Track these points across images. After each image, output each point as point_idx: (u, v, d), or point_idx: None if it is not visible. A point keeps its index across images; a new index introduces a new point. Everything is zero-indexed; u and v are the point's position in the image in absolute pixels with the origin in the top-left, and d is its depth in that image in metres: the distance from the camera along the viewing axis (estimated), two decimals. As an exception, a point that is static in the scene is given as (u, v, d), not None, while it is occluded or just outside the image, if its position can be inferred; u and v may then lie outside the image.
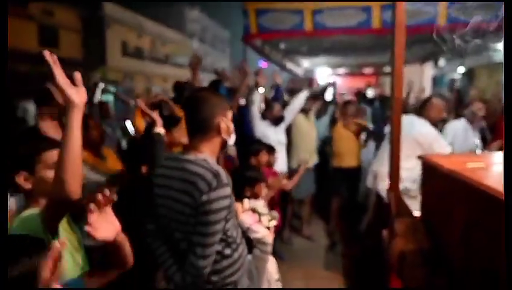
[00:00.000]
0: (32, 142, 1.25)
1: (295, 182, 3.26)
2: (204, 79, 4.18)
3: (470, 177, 1.37)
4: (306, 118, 4.08)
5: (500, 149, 3.10)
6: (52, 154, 1.17)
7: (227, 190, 1.26)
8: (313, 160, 4.18)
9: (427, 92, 6.53)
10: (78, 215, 1.28)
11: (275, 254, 2.08)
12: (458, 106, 4.77)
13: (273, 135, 3.56)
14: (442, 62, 8.21)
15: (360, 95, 6.07)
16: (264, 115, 3.62)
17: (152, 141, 1.77)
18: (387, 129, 3.77)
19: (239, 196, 1.79)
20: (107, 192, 1.04)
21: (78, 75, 1.06)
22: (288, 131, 3.95)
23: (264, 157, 2.59)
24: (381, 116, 4.31)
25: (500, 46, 5.49)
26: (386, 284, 2.25)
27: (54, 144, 1.20)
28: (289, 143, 3.84)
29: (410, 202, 2.30)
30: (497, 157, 1.87)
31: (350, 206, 4.37)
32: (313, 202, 4.46)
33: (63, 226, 1.24)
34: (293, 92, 4.11)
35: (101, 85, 3.20)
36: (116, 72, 20.62)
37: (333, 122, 4.38)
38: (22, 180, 1.17)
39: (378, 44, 6.38)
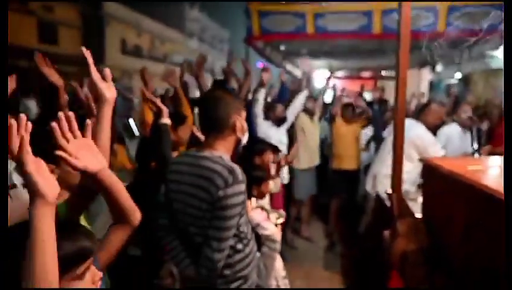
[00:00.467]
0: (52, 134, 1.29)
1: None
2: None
3: (471, 179, 1.42)
4: (310, 120, 4.13)
5: (491, 154, 3.17)
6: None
7: (242, 187, 1.31)
8: (315, 161, 4.23)
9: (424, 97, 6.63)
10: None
11: (279, 254, 2.12)
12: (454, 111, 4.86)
13: (275, 135, 3.60)
14: (439, 67, 8.31)
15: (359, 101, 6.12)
16: (267, 116, 3.67)
17: (158, 132, 1.81)
18: (386, 133, 3.84)
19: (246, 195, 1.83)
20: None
21: (107, 72, 1.11)
22: (291, 132, 3.99)
23: (268, 157, 2.63)
24: (381, 120, 4.38)
25: (497, 52, 5.59)
26: (386, 284, 2.31)
27: None
28: (292, 144, 3.89)
29: (411, 204, 2.36)
30: (496, 161, 1.94)
31: (349, 207, 4.43)
32: (312, 203, 4.51)
33: (81, 221, 1.28)
34: (293, 93, 4.15)
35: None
36: (115, 70, 20.58)
37: (331, 121, 4.44)
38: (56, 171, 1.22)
39: (377, 48, 6.48)
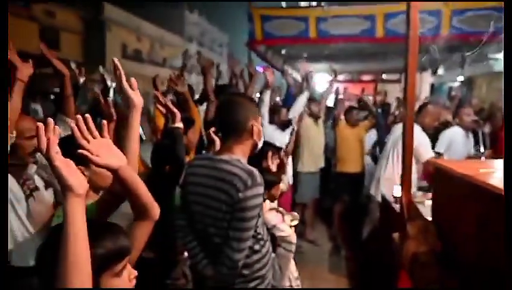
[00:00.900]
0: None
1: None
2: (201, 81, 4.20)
3: (484, 181, 1.44)
4: (315, 123, 4.15)
5: (494, 158, 3.21)
6: None
7: (261, 189, 1.34)
8: (319, 165, 4.24)
9: (423, 99, 6.65)
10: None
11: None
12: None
13: (280, 138, 3.62)
14: (441, 70, 8.35)
15: (362, 101, 6.15)
16: (271, 119, 3.68)
17: (171, 136, 1.82)
18: (388, 137, 3.88)
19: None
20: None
21: (134, 81, 1.19)
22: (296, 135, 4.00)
23: (275, 159, 2.65)
24: (384, 124, 4.40)
25: (500, 55, 5.63)
26: (394, 285, 2.31)
27: None
28: (296, 147, 3.91)
29: (418, 207, 2.37)
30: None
31: (353, 211, 4.44)
32: (315, 206, 4.52)
33: None
34: (295, 96, 4.18)
35: (114, 85, 3.26)
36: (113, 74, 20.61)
37: (335, 124, 4.47)
38: (80, 172, 1.24)
39: (377, 51, 6.52)
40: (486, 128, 4.10)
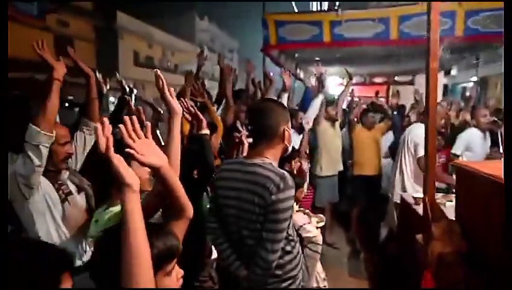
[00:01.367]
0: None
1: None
2: (213, 87, 4.27)
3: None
4: (332, 126, 4.17)
5: None
6: None
7: (293, 192, 1.38)
8: (337, 168, 4.25)
9: (438, 100, 6.61)
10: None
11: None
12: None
13: (297, 141, 3.66)
14: (454, 71, 8.28)
15: (376, 104, 6.15)
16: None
17: (200, 143, 1.87)
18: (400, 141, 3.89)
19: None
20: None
21: (172, 90, 1.29)
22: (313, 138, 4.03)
23: (296, 163, 2.69)
24: (400, 126, 4.40)
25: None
26: (418, 286, 2.31)
27: None
28: (314, 150, 3.93)
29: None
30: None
31: (370, 213, 4.43)
32: (333, 209, 4.52)
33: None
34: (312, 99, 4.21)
35: (135, 91, 3.35)
36: (128, 81, 20.94)
37: (350, 127, 4.47)
38: None
39: (390, 54, 6.52)
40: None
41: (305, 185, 3.09)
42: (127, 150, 0.97)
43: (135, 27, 21.70)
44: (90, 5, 18.71)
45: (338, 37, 4.91)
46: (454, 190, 3.46)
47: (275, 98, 3.87)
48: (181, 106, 1.99)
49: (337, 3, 5.32)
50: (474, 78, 7.98)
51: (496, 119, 3.77)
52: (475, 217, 1.89)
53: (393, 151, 4.49)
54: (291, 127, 3.64)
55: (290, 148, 1.50)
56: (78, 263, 1.65)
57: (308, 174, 3.89)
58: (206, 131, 1.88)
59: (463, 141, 3.87)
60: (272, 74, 4.47)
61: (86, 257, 1.70)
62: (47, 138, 1.54)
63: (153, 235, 0.91)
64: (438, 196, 2.94)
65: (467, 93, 8.52)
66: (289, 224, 1.40)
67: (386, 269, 3.57)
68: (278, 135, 1.45)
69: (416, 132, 3.46)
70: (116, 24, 20.14)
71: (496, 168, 1.75)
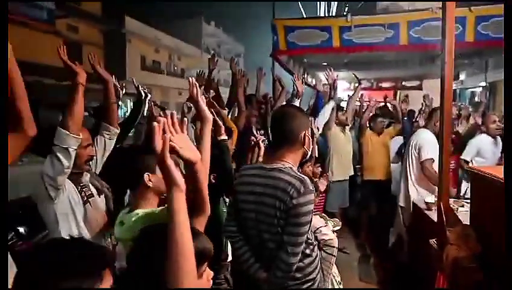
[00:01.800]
0: (150, 148, 1.47)
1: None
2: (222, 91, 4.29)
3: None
4: (342, 131, 4.18)
5: None
6: None
7: (313, 196, 1.41)
8: (348, 173, 4.25)
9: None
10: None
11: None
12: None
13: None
14: (463, 76, 8.26)
15: (385, 109, 6.16)
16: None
17: (219, 148, 1.90)
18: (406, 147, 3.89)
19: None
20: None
21: (204, 98, 1.31)
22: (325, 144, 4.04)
23: (309, 167, 2.71)
24: (410, 131, 4.41)
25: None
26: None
27: None
28: (324, 155, 3.94)
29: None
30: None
31: (380, 218, 4.42)
32: (342, 214, 4.51)
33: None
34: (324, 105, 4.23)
35: (149, 96, 3.40)
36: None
37: (360, 132, 4.48)
38: (147, 179, 1.37)
39: (397, 59, 6.54)
40: None
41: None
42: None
43: (142, 32, 21.92)
44: (99, 10, 18.96)
45: (347, 43, 4.94)
46: (464, 196, 3.49)
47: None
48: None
49: (346, 8, 5.34)
50: (483, 84, 7.95)
51: (488, 124, 3.79)
52: (490, 222, 1.89)
53: (402, 156, 4.50)
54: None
55: (309, 153, 1.52)
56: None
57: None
58: (224, 137, 1.91)
59: (473, 147, 3.87)
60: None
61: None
62: (75, 140, 1.59)
63: None
64: (450, 201, 2.94)
65: (476, 98, 8.48)
66: (309, 227, 1.42)
67: (397, 275, 3.56)
68: (299, 140, 1.48)
69: (421, 136, 3.49)
70: (124, 29, 20.36)
71: (512, 174, 1.76)
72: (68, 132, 1.56)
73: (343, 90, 9.71)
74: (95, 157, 1.92)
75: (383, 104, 6.52)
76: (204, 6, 37.01)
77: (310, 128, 1.52)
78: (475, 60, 6.76)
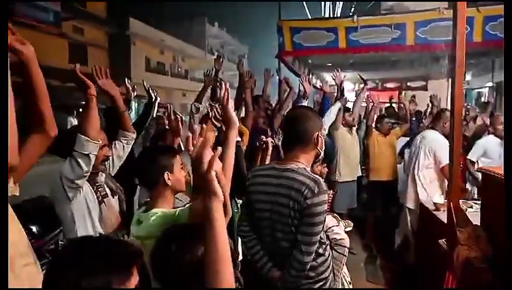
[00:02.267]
0: (170, 149, 1.57)
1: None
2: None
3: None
4: (349, 132, 4.18)
5: None
6: (180, 158, 1.48)
7: (326, 196, 1.43)
8: (355, 174, 4.25)
9: (449, 106, 6.57)
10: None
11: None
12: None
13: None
14: (469, 76, 8.23)
15: (391, 109, 6.15)
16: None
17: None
18: (410, 148, 3.88)
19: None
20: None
21: (231, 103, 1.38)
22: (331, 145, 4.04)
23: (318, 167, 2.72)
24: (415, 131, 4.41)
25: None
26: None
27: (178, 150, 1.44)
28: (331, 156, 3.93)
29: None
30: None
31: (386, 219, 4.42)
32: (349, 215, 4.51)
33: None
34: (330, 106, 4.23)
35: (159, 99, 3.43)
36: (140, 86, 21.25)
37: (367, 133, 4.48)
38: (167, 177, 1.42)
39: (403, 59, 6.53)
40: None
41: None
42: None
43: (147, 33, 22.02)
44: (104, 12, 19.09)
45: (354, 43, 4.94)
46: (474, 197, 3.48)
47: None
48: (213, 111, 2.05)
49: (352, 9, 5.35)
50: (490, 84, 7.92)
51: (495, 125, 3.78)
52: (501, 222, 1.89)
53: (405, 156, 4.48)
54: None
55: (322, 154, 1.54)
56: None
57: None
58: (238, 138, 1.93)
59: (479, 148, 3.86)
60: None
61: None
62: (95, 146, 1.65)
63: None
64: (441, 201, 2.94)
65: (482, 99, 8.45)
66: (322, 227, 1.43)
67: (404, 276, 3.55)
68: (312, 141, 1.50)
69: (432, 138, 3.47)
70: (128, 30, 20.47)
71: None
72: (89, 139, 1.62)
73: (348, 91, 9.71)
74: (110, 158, 1.96)
75: (389, 104, 6.53)
76: (208, 7, 37.12)
77: (323, 129, 1.53)
78: (482, 60, 6.73)
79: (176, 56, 26.15)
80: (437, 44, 4.53)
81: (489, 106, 5.12)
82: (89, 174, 1.65)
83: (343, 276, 1.85)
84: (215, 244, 0.85)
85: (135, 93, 3.23)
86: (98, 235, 1.61)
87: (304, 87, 3.38)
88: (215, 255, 0.85)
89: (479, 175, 3.29)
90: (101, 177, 1.85)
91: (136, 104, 20.94)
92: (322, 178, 3.05)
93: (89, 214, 1.69)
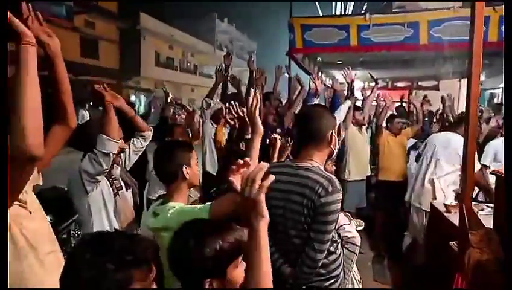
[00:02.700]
0: (187, 144, 1.63)
1: None
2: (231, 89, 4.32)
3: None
4: (359, 131, 4.17)
5: None
6: (195, 153, 1.55)
7: (340, 195, 1.44)
8: (365, 173, 4.24)
9: (462, 107, 6.48)
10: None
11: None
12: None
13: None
14: (482, 77, 8.09)
15: (402, 109, 6.10)
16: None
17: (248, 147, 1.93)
18: (421, 148, 3.83)
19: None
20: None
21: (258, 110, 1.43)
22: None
23: (329, 166, 2.72)
24: (427, 132, 4.36)
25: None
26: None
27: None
28: (341, 155, 3.94)
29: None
30: None
31: (395, 219, 4.39)
32: (357, 214, 4.49)
33: None
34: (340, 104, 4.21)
35: (171, 96, 3.46)
36: (149, 81, 21.41)
37: (377, 132, 4.45)
38: (185, 172, 1.46)
39: (414, 58, 6.45)
40: None
41: None
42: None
43: (157, 28, 22.10)
44: (115, 7, 19.20)
45: (365, 41, 4.90)
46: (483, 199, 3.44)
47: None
48: (230, 109, 2.05)
49: (364, 7, 5.30)
50: (502, 85, 7.79)
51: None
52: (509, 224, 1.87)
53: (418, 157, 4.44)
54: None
55: (335, 152, 1.54)
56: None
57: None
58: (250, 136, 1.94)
59: (491, 151, 3.79)
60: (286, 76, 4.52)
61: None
62: (116, 145, 1.73)
63: (227, 231, 0.98)
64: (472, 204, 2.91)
65: (495, 100, 8.31)
66: (335, 226, 1.44)
67: (412, 277, 3.54)
68: (326, 139, 1.51)
69: (461, 143, 3.34)
70: (139, 25, 20.57)
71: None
72: (110, 138, 1.70)
73: (357, 89, 9.64)
74: (127, 153, 2.01)
75: (399, 104, 6.46)
76: (218, 4, 37.09)
77: (336, 128, 1.53)
78: (496, 60, 6.62)
79: (185, 51, 26.21)
80: (451, 43, 4.47)
81: (502, 107, 5.03)
82: (108, 170, 1.72)
83: (353, 274, 1.85)
84: (259, 267, 0.90)
85: (171, 96, 3.34)
86: (114, 230, 1.66)
87: (315, 85, 3.37)
88: (257, 278, 0.90)
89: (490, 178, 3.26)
90: (116, 171, 1.90)
91: (145, 98, 21.10)
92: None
93: (104, 206, 1.74)
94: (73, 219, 2.60)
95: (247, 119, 1.94)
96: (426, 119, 4.53)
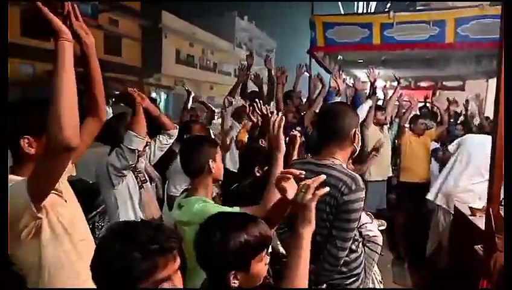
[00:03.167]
0: (212, 139, 1.74)
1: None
2: (250, 87, 4.31)
3: None
4: (381, 131, 4.11)
5: None
6: (219, 149, 1.59)
7: (363, 193, 1.43)
8: (386, 173, 4.18)
9: (490, 108, 6.27)
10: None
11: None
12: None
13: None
14: (510, 77, 7.79)
15: (426, 109, 5.97)
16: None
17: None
18: (452, 147, 3.72)
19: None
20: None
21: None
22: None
23: (350, 165, 2.69)
24: (453, 133, 4.25)
25: None
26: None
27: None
28: (362, 155, 3.89)
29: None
30: None
31: (417, 221, 4.31)
32: (377, 215, 4.44)
33: None
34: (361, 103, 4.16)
35: (193, 94, 3.52)
36: (169, 78, 21.73)
37: (400, 132, 4.37)
38: (212, 166, 1.50)
39: (438, 57, 6.27)
40: None
41: None
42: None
43: (178, 26, 22.40)
44: (138, 5, 19.57)
45: (388, 40, 4.80)
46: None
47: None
48: (254, 106, 2.07)
49: (388, 4, 5.20)
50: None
51: None
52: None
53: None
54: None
55: (358, 150, 1.54)
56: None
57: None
58: None
59: None
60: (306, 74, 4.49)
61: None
62: (142, 142, 1.79)
63: (252, 225, 1.00)
64: (480, 206, 2.82)
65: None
66: (358, 224, 1.44)
67: (435, 280, 3.47)
68: (349, 138, 1.50)
69: None
70: (161, 23, 20.90)
71: None
72: (137, 134, 1.77)
73: (378, 88, 9.46)
74: (152, 149, 2.07)
75: (423, 104, 6.32)
76: (238, 3, 37.20)
77: (359, 126, 1.53)
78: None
79: (205, 49, 26.45)
80: (479, 42, 4.33)
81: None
82: (134, 165, 1.78)
83: (374, 274, 1.84)
84: (296, 268, 0.97)
85: (192, 95, 3.43)
86: (139, 220, 1.70)
87: (337, 84, 3.34)
88: (293, 279, 0.97)
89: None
90: (141, 164, 1.96)
91: (166, 96, 21.42)
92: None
93: (130, 199, 1.80)
94: (98, 211, 2.69)
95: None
96: (452, 120, 4.42)
